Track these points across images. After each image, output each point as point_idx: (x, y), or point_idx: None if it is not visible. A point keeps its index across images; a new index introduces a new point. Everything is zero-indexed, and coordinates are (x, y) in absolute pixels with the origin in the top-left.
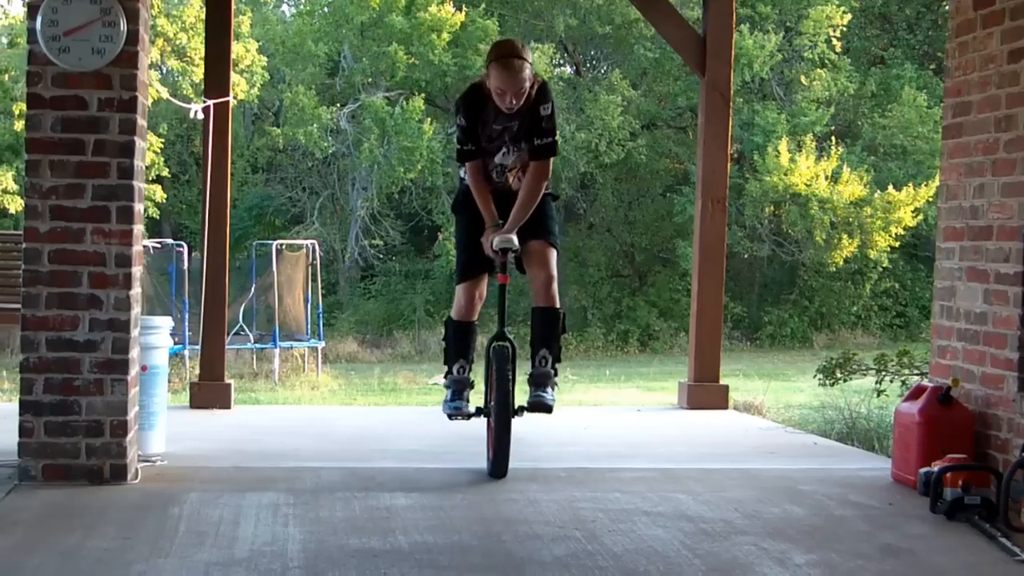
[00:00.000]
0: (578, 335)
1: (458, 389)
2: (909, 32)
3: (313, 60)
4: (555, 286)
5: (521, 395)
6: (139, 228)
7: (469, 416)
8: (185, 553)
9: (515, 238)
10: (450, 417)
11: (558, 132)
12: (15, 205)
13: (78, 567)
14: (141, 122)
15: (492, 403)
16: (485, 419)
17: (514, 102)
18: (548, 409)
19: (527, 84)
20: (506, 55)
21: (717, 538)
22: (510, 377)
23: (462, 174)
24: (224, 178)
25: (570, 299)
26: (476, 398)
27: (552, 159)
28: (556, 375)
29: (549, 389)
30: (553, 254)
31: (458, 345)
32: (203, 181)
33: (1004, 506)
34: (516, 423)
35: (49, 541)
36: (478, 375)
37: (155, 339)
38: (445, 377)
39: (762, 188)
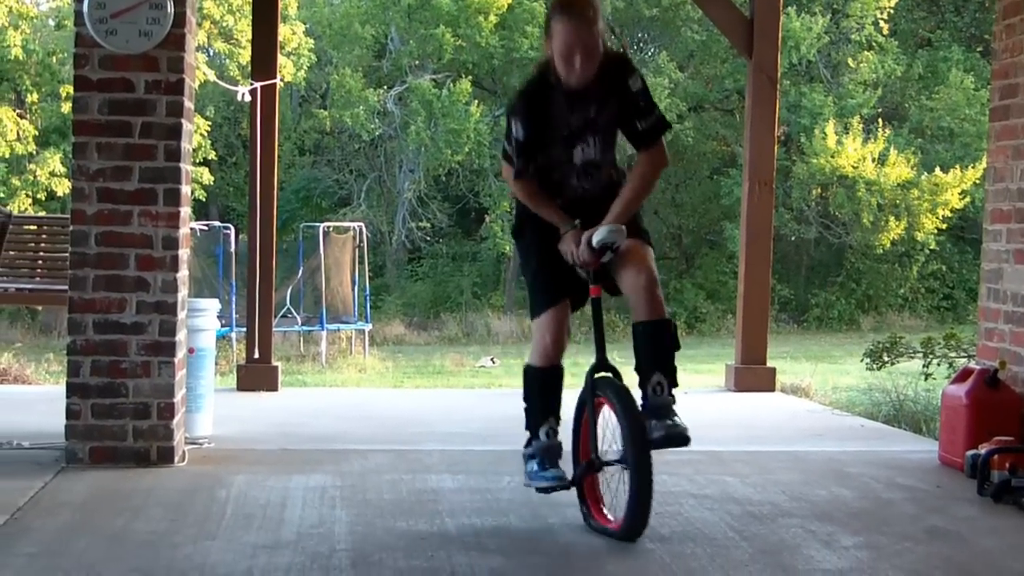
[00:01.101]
0: (625, 317)
1: (549, 457)
2: (956, 14)
3: (360, 42)
4: (658, 290)
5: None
6: (186, 210)
7: (570, 486)
8: (232, 536)
9: (623, 230)
10: (547, 491)
11: (658, 105)
12: (62, 188)
13: (125, 549)
14: (188, 104)
15: (628, 447)
16: (588, 472)
17: (585, 67)
18: (686, 441)
19: (599, 40)
20: (574, 4)
21: (764, 520)
22: (639, 412)
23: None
24: (271, 160)
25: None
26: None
27: (664, 139)
28: (675, 402)
29: (676, 418)
30: (651, 253)
31: (544, 400)
32: (250, 163)
33: None
34: (563, 401)
35: (96, 523)
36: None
37: (202, 321)
38: (527, 446)
39: (809, 170)
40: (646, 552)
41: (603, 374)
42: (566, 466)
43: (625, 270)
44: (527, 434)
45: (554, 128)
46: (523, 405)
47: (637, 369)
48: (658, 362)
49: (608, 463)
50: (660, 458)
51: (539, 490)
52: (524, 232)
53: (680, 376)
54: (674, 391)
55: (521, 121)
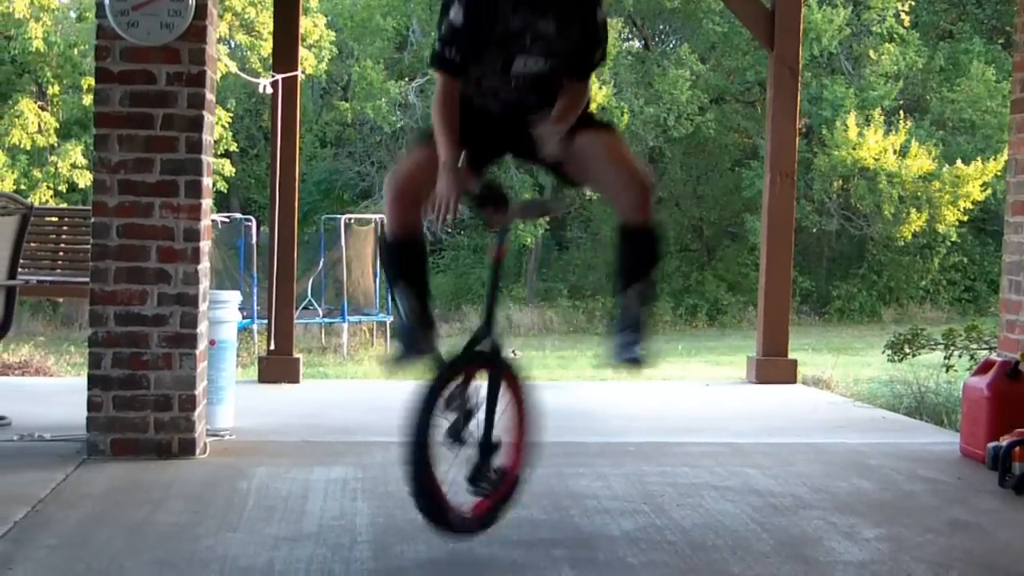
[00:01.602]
0: (675, 305)
1: (417, 319)
2: (977, 6)
3: (381, 34)
4: (644, 178)
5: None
6: (207, 202)
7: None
8: (254, 527)
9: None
10: (403, 359)
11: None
12: (84, 179)
13: (146, 541)
14: (210, 96)
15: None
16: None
17: None
18: (638, 362)
19: None
20: None
21: (786, 512)
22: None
23: None
24: (292, 152)
25: None
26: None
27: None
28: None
29: (641, 335)
30: (620, 138)
31: (404, 266)
32: (271, 155)
33: None
34: (583, 393)
35: (117, 515)
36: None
37: (223, 313)
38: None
39: (830, 162)
40: (667, 543)
41: (485, 352)
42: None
43: (594, 168)
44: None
45: (492, 26)
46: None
47: (616, 278)
48: (635, 272)
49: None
50: (681, 450)
51: (401, 355)
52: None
53: (701, 368)
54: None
55: (463, 4)
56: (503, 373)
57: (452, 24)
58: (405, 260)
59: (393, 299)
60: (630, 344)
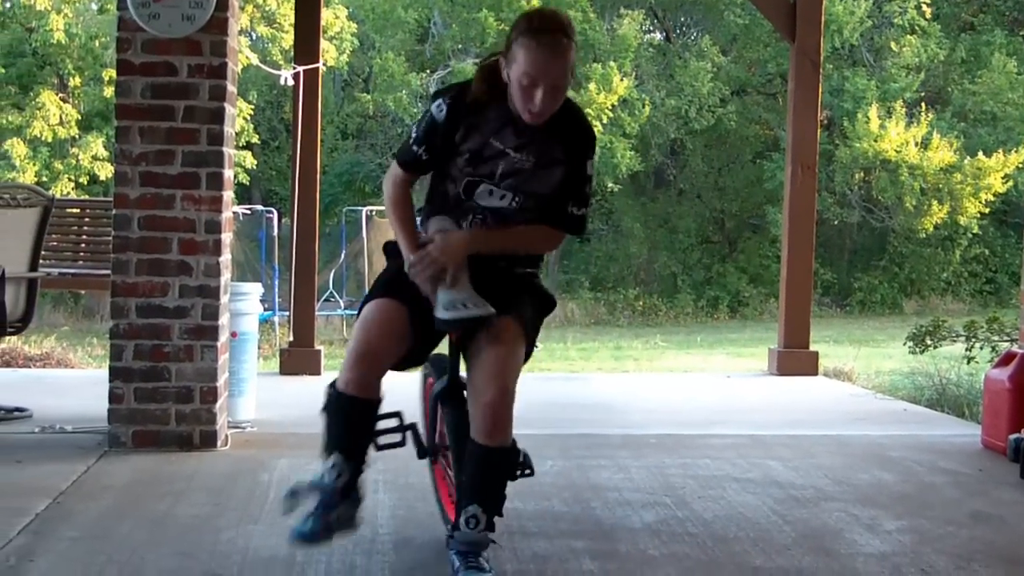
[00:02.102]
0: (668, 301)
1: (328, 495)
2: None
3: (403, 27)
4: (508, 399)
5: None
6: (229, 194)
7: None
8: (275, 520)
9: (481, 301)
10: (301, 541)
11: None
12: (105, 171)
13: (167, 533)
14: (231, 88)
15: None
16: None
17: (545, 105)
18: None
19: (568, 78)
20: (548, 29)
21: (807, 504)
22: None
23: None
24: (314, 144)
25: (660, 265)
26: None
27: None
28: (488, 543)
29: (481, 562)
30: (522, 345)
31: (347, 429)
32: (292, 147)
33: None
34: (604, 385)
35: (139, 507)
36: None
37: (245, 305)
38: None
39: (852, 154)
40: (689, 535)
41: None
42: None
43: (479, 357)
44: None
45: (470, 143)
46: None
47: (457, 488)
48: (482, 491)
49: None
50: (703, 442)
51: (298, 538)
52: (393, 252)
53: (722, 360)
54: (493, 525)
55: (448, 109)
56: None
57: (432, 120)
58: (354, 420)
59: (326, 453)
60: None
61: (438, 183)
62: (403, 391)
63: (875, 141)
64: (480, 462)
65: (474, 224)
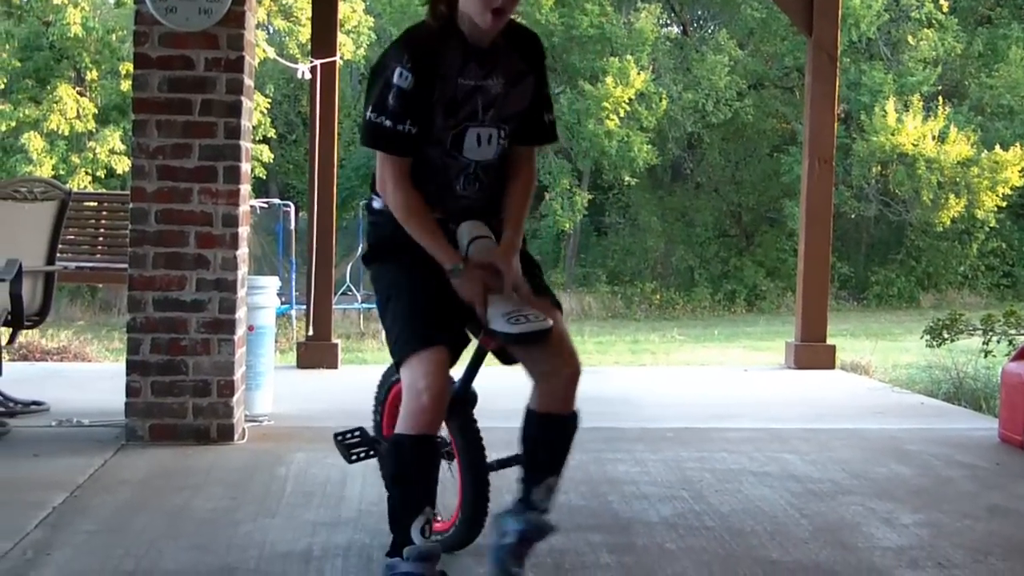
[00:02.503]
0: (685, 295)
1: (428, 563)
2: None
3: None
4: (576, 374)
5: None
6: (246, 188)
7: None
8: (292, 513)
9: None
10: None
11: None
12: (122, 165)
13: (184, 527)
14: (248, 82)
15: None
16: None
17: (506, 12)
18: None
19: None
20: None
21: (824, 498)
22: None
23: (374, 203)
24: (331, 138)
25: (677, 259)
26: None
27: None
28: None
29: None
30: (562, 320)
31: (419, 483)
32: (310, 141)
33: None
34: (621, 379)
35: (156, 501)
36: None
37: (262, 299)
38: (392, 555)
39: (869, 148)
40: (706, 529)
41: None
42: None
43: (536, 349)
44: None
45: (441, 87)
46: (386, 494)
47: (525, 463)
48: (556, 464)
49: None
50: (720, 436)
51: None
52: (390, 252)
53: (739, 354)
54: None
55: (411, 62)
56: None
57: (400, 89)
58: (427, 466)
59: (401, 522)
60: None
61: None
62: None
63: (892, 135)
64: (561, 431)
65: (468, 184)
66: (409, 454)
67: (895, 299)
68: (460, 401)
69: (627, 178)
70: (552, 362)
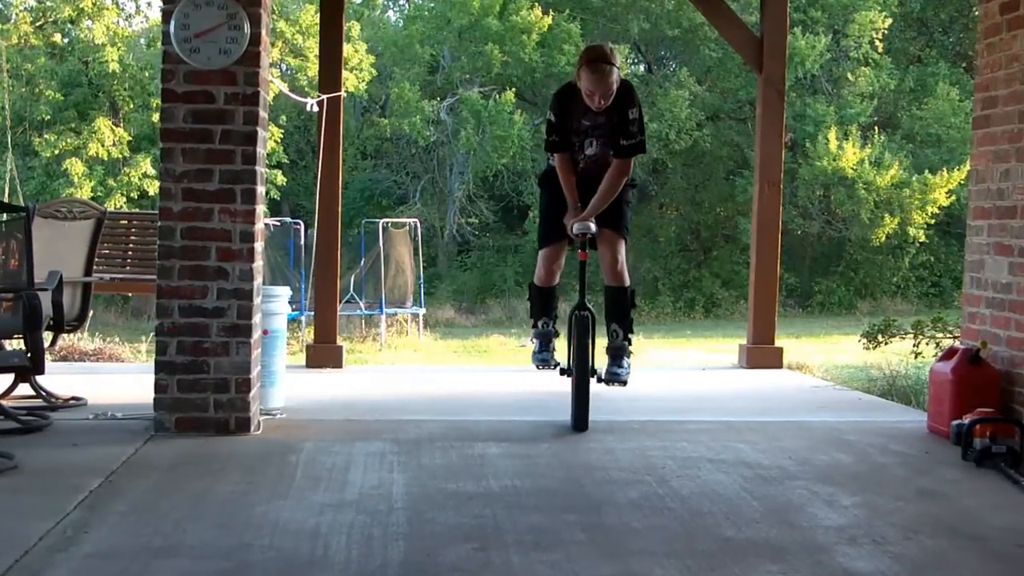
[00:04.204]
0: (649, 302)
1: (544, 341)
2: (943, 34)
3: (419, 60)
4: (621, 267)
5: (601, 362)
6: (261, 208)
7: (554, 367)
8: (302, 496)
9: (592, 225)
10: (537, 367)
11: (645, 133)
12: (153, 188)
13: (207, 508)
14: (263, 114)
15: (573, 365)
16: (568, 377)
17: (602, 103)
18: (623, 383)
19: (614, 87)
20: (596, 60)
21: (773, 482)
22: (589, 344)
23: (549, 159)
24: (336, 163)
25: (643, 271)
26: (561, 356)
27: (634, 158)
28: (630, 344)
29: (624, 361)
30: (622, 243)
31: (541, 305)
32: (319, 167)
33: None
34: (594, 383)
35: (181, 485)
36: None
37: (275, 306)
38: (532, 329)
39: (813, 172)
40: (668, 510)
41: (579, 312)
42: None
43: (601, 248)
44: (555, 368)
45: (571, 123)
46: (527, 305)
47: (604, 318)
48: (616, 315)
49: (570, 372)
50: (680, 427)
51: (536, 365)
52: (547, 185)
53: (698, 355)
54: (630, 336)
55: (554, 110)
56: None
57: (551, 120)
58: (546, 299)
59: (532, 315)
60: (618, 370)
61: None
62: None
63: (833, 160)
64: (612, 297)
65: (585, 160)
66: (535, 292)
67: (836, 306)
68: (580, 308)
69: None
70: (603, 254)
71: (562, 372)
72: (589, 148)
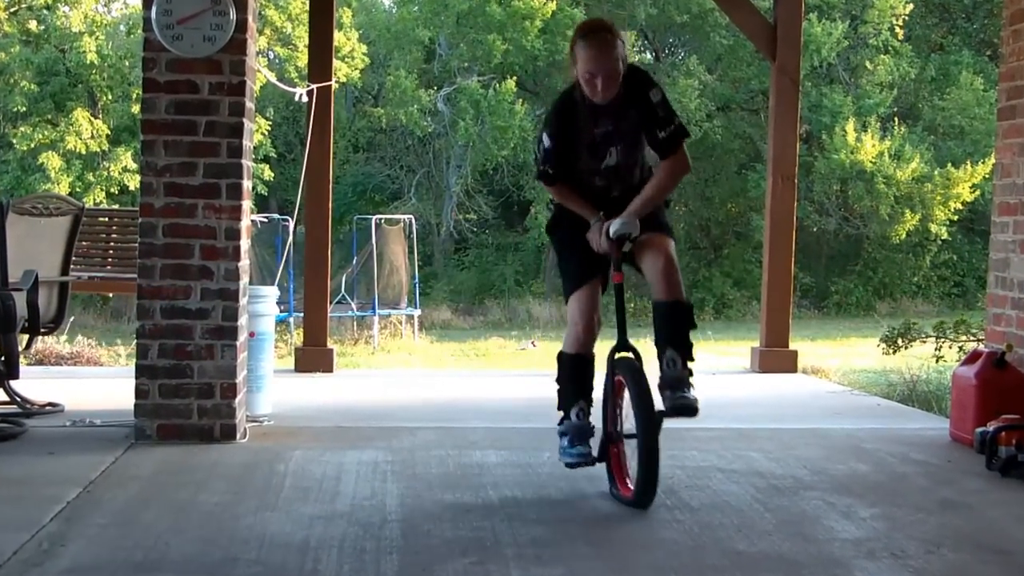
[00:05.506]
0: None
1: (578, 436)
2: (967, 20)
3: (417, 46)
4: (677, 274)
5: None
6: (247, 204)
7: (595, 462)
8: (290, 507)
9: (636, 223)
10: (572, 466)
11: (677, 115)
12: (134, 183)
13: (190, 520)
14: (249, 105)
15: (637, 420)
16: (611, 444)
17: (607, 89)
18: (694, 412)
19: (620, 64)
20: (593, 30)
21: (787, 493)
22: (649, 388)
23: (549, 204)
24: (326, 156)
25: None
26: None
27: (684, 145)
28: (691, 375)
29: (689, 390)
30: (671, 243)
31: (576, 384)
32: (308, 160)
33: None
34: (598, 382)
35: (163, 495)
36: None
37: (262, 307)
38: (560, 424)
39: (830, 166)
40: (676, 522)
41: (622, 354)
42: (597, 444)
43: (645, 256)
44: (561, 414)
45: (581, 139)
46: (556, 387)
47: (656, 344)
48: (672, 339)
49: (625, 436)
50: (690, 435)
51: (567, 465)
52: (557, 227)
53: (708, 358)
54: (689, 365)
55: (549, 134)
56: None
57: (544, 147)
58: (583, 373)
59: (563, 406)
60: (685, 394)
61: (577, 176)
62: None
63: (851, 153)
64: (666, 315)
65: (607, 175)
66: (567, 364)
67: (853, 307)
68: (622, 347)
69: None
70: (652, 261)
71: (603, 448)
72: (610, 158)
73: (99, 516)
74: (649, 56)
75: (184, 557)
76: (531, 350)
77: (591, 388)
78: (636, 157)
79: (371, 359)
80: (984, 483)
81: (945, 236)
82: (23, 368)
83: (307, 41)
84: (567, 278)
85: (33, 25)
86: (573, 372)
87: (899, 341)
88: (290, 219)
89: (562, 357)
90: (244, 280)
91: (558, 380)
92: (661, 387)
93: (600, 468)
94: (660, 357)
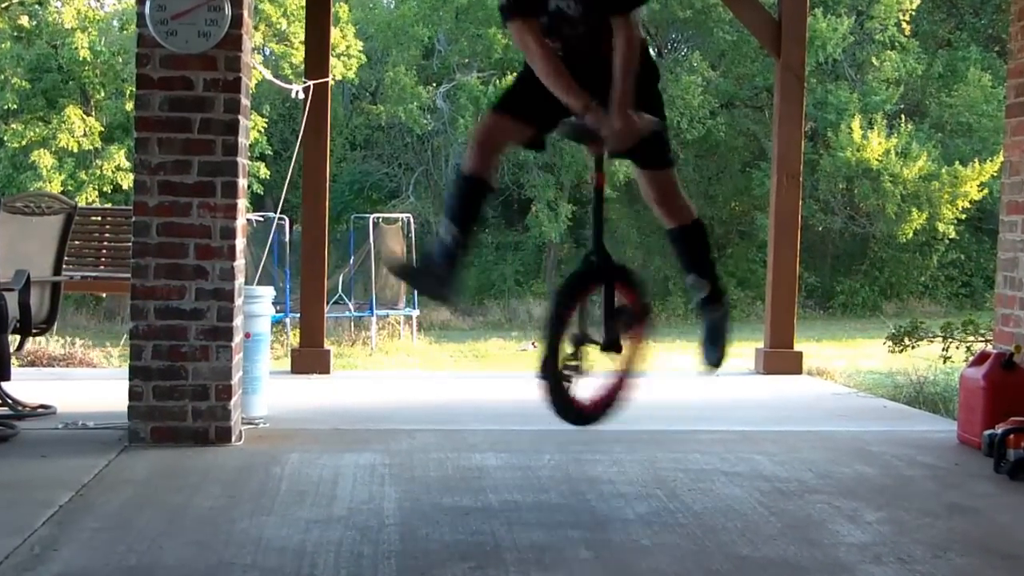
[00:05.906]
0: (660, 303)
1: (440, 251)
2: (974, 16)
3: (416, 43)
4: (676, 199)
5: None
6: (243, 202)
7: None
8: (287, 511)
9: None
10: (395, 272)
11: None
12: (127, 181)
13: (184, 524)
14: (245, 102)
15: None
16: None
17: None
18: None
19: None
20: None
21: (792, 497)
22: (568, 301)
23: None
24: (323, 154)
25: (653, 269)
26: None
27: (632, 11)
28: (723, 295)
29: (720, 335)
30: (670, 171)
31: (460, 202)
32: (303, 158)
33: None
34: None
35: (157, 499)
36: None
37: (258, 307)
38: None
39: (835, 164)
40: (679, 526)
41: (589, 258)
42: None
43: (644, 189)
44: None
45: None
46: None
47: (683, 273)
48: (692, 262)
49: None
50: (692, 437)
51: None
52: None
53: None
54: (719, 285)
55: None
56: (616, 282)
57: None
58: (469, 194)
59: (439, 230)
60: (713, 350)
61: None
62: None
63: (857, 151)
64: (680, 238)
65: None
66: (460, 182)
67: (859, 308)
68: (593, 251)
69: (607, 192)
70: (652, 196)
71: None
72: (568, 12)
73: (92, 520)
74: (652, 52)
75: (178, 562)
76: (531, 351)
77: (472, 218)
78: (592, 19)
79: (369, 360)
80: (992, 487)
81: (953, 235)
82: (14, 369)
83: (303, 37)
84: (500, 97)
85: (25, 21)
86: (461, 189)
87: (905, 340)
88: (286, 218)
89: (456, 175)
90: (239, 280)
91: (448, 191)
92: (705, 339)
93: (607, 475)
94: (688, 286)
